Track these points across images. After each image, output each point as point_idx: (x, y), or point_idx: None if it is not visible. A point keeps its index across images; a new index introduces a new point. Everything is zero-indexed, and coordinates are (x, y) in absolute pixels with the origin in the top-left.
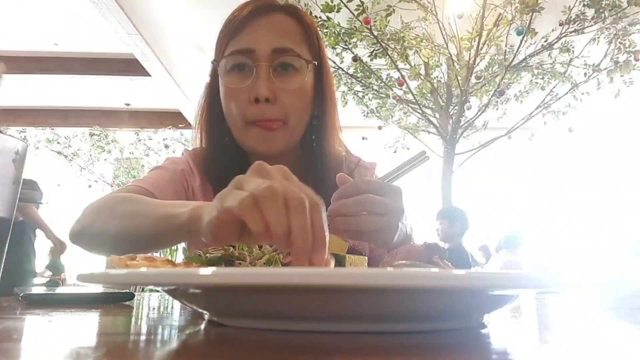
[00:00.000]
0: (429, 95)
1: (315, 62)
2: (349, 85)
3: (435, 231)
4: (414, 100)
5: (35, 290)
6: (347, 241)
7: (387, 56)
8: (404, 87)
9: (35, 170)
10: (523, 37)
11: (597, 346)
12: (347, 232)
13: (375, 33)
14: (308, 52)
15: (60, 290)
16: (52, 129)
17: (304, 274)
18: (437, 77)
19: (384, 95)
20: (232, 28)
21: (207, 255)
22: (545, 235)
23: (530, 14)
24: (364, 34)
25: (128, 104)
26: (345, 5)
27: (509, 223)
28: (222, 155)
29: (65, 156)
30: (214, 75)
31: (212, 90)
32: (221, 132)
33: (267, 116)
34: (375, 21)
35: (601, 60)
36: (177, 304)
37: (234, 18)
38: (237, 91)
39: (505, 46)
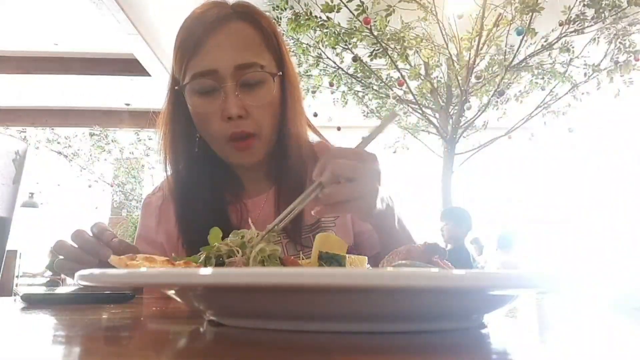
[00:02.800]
0: (429, 95)
1: (280, 73)
2: (349, 85)
3: (438, 231)
4: (414, 100)
5: (35, 290)
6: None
7: (387, 56)
8: (404, 87)
9: (35, 170)
10: (523, 37)
11: (597, 346)
12: (327, 207)
13: (375, 33)
14: (271, 58)
15: (60, 290)
16: (52, 129)
17: (304, 274)
18: (437, 77)
19: (384, 95)
20: (190, 47)
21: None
22: (544, 234)
23: (530, 14)
24: (364, 34)
25: (128, 104)
26: (345, 5)
27: (503, 224)
28: (194, 165)
29: (65, 156)
30: (174, 83)
31: (174, 99)
32: (190, 144)
33: (241, 128)
34: (375, 21)
35: (601, 60)
36: (177, 304)
37: (190, 35)
38: (207, 113)
39: (505, 46)
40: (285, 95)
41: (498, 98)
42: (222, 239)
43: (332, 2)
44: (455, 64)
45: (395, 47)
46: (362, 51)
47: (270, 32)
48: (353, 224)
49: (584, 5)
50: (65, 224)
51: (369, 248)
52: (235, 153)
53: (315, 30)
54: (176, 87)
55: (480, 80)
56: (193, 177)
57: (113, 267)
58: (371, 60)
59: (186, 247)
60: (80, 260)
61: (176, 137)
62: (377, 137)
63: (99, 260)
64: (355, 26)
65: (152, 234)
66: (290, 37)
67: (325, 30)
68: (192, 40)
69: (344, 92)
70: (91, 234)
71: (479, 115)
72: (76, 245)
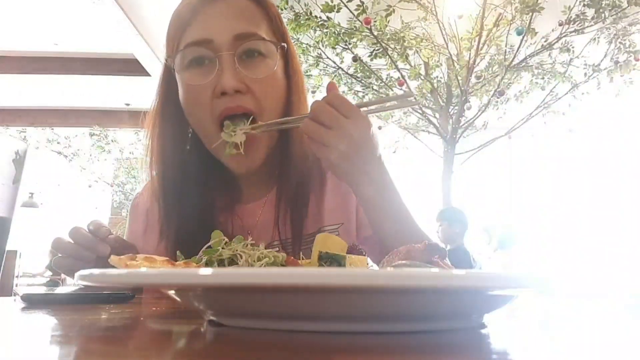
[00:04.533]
0: (429, 95)
1: (284, 45)
2: (349, 85)
3: (435, 233)
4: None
5: (35, 290)
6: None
7: (387, 56)
8: (404, 87)
9: (35, 170)
10: (523, 37)
11: (597, 346)
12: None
13: (375, 33)
14: (273, 37)
15: (60, 290)
16: (52, 129)
17: (304, 274)
18: (437, 77)
19: (383, 95)
20: (184, 19)
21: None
22: (544, 234)
23: (530, 14)
24: (364, 34)
25: (128, 104)
26: (345, 5)
27: (502, 224)
28: (184, 166)
29: (65, 156)
30: (166, 75)
31: (165, 91)
32: (180, 142)
33: (237, 103)
34: (375, 21)
35: (601, 60)
36: (177, 304)
37: (184, 8)
38: (199, 88)
39: (505, 46)
40: (290, 83)
41: (498, 98)
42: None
43: (332, 2)
44: (455, 64)
45: (395, 47)
46: (362, 51)
47: (272, 11)
48: (358, 230)
49: (584, 5)
50: (65, 224)
51: (374, 254)
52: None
53: (315, 30)
54: (166, 59)
55: (480, 80)
56: (182, 179)
57: (113, 266)
58: (371, 60)
59: (170, 254)
60: (78, 256)
61: (165, 135)
62: (382, 110)
63: (96, 256)
64: (355, 26)
65: (139, 241)
66: (291, 37)
67: (325, 30)
68: (186, 15)
69: (344, 92)
70: (87, 231)
71: (479, 115)
72: (73, 242)
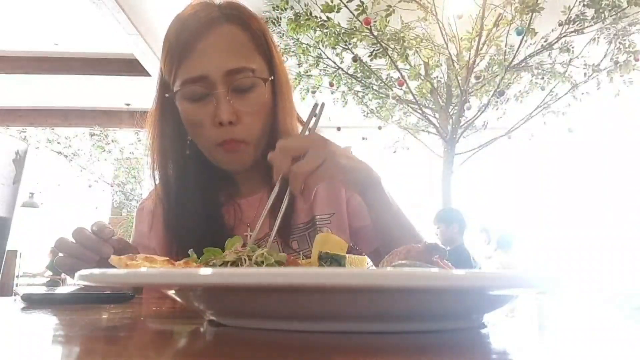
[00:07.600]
0: (429, 95)
1: (272, 77)
2: (349, 85)
3: (435, 235)
4: (414, 100)
5: (35, 290)
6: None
7: (387, 56)
8: (404, 87)
9: (35, 170)
10: (523, 37)
11: (597, 346)
12: (305, 190)
13: (375, 33)
14: (262, 61)
15: (60, 290)
16: (52, 129)
17: (304, 274)
18: (437, 77)
19: (384, 95)
20: (179, 51)
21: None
22: (544, 234)
23: (530, 14)
24: (364, 34)
25: (128, 104)
26: (345, 5)
27: (502, 224)
28: (186, 166)
29: (65, 156)
30: (163, 91)
31: (164, 94)
32: (181, 145)
33: (231, 136)
34: (375, 21)
35: (601, 60)
36: (177, 304)
37: (178, 39)
38: (198, 119)
39: (505, 46)
40: (277, 97)
41: (498, 98)
42: (218, 243)
43: (332, 2)
44: (455, 64)
45: (395, 47)
46: (362, 51)
47: (260, 34)
48: (350, 221)
49: (584, 5)
50: (65, 224)
51: (367, 244)
52: (224, 156)
53: (315, 30)
54: (167, 95)
55: (480, 80)
56: (185, 178)
57: (113, 266)
58: (371, 60)
59: (179, 254)
60: (81, 256)
61: (166, 139)
62: (314, 128)
63: (99, 257)
64: (355, 26)
65: (145, 239)
66: (290, 37)
67: (325, 30)
68: (180, 45)
69: (344, 92)
70: (91, 232)
71: (479, 115)
72: (76, 242)
